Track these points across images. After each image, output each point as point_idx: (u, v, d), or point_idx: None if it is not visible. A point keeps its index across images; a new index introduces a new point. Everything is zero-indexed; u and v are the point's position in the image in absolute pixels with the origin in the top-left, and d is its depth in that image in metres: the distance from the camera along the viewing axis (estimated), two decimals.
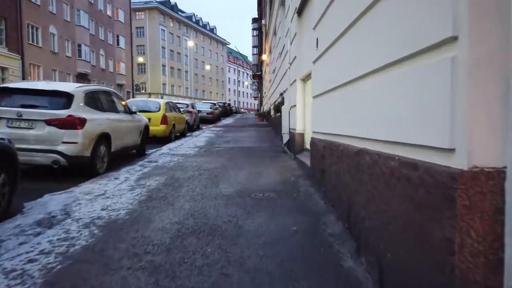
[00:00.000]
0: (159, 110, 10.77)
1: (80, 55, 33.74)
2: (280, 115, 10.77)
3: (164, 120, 10.66)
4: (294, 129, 7.29)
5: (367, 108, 2.51)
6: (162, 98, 60.97)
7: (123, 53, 43.80)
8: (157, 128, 10.53)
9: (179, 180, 5.32)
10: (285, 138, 8.28)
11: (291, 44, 7.72)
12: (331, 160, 3.71)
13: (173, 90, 70.44)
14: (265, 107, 24.82)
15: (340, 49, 3.31)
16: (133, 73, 61.36)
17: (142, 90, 65.72)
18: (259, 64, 48.60)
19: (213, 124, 22.02)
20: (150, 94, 64.03)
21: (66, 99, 5.52)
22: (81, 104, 5.67)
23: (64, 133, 5.30)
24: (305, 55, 6.26)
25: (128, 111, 7.57)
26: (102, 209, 3.78)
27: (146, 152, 8.87)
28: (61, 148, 5.28)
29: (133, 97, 47.36)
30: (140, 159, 7.59)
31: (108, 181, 5.22)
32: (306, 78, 6.71)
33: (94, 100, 6.14)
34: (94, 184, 5.07)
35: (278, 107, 10.66)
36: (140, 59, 61.33)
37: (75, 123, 5.39)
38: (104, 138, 6.10)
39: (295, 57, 7.15)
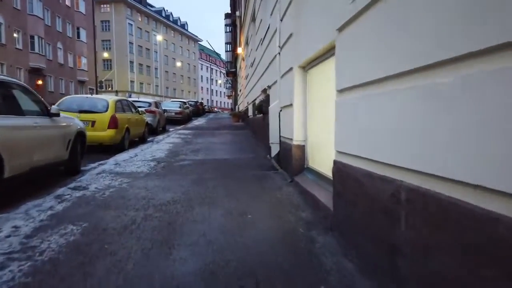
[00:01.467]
0: (106, 110, 8.30)
1: (33, 48, 30.24)
2: (263, 117, 8.57)
3: (113, 123, 8.21)
4: (290, 139, 5.10)
5: None
6: (129, 96, 57.46)
7: (85, 47, 40.29)
8: (102, 134, 8.08)
9: (104, 235, 3.00)
10: (274, 149, 6.07)
11: (282, 19, 5.51)
12: (414, 221, 1.55)
13: (142, 88, 66.82)
14: (241, 106, 22.56)
15: None
16: (98, 69, 57.47)
17: (108, 87, 61.80)
18: (233, 61, 46.31)
19: (182, 126, 19.51)
20: (117, 92, 60.43)
21: None
22: None
23: None
24: (313, 28, 4.07)
25: (45, 112, 5.12)
26: None
27: (83, 168, 6.46)
28: None
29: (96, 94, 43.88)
30: (66, 182, 5.17)
31: None
32: (310, 64, 4.53)
33: None
34: None
35: (260, 107, 8.47)
36: (105, 55, 57.44)
37: None
38: None
39: (290, 35, 4.94)
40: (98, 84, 45.46)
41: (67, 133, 5.59)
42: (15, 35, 28.50)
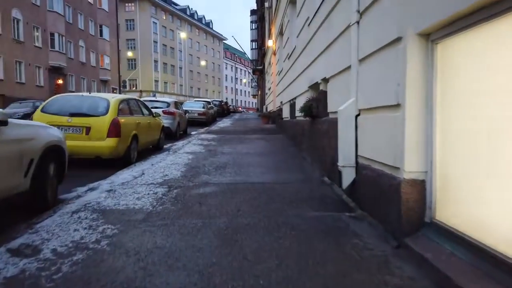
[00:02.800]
0: (106, 113, 6.29)
1: (53, 46, 29.14)
2: (312, 121, 6.35)
3: (114, 129, 6.19)
4: (391, 167, 2.88)
5: None
6: (154, 95, 56.47)
7: (108, 45, 39.19)
8: (100, 145, 6.08)
9: None
10: (347, 176, 3.85)
11: None
12: None
13: (166, 88, 65.86)
14: (270, 106, 20.35)
15: None
16: (121, 68, 56.77)
17: (133, 87, 61.14)
18: (260, 59, 44.17)
19: (205, 128, 17.52)
20: (141, 92, 59.66)
21: None
22: None
23: None
24: None
25: None
26: None
27: (63, 196, 4.53)
28: None
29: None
30: (10, 233, 3.16)
31: None
32: (449, 27, 2.28)
33: None
34: None
35: (307, 108, 6.24)
36: (130, 54, 56.67)
37: None
38: None
39: None
40: (122, 84, 44.42)
41: (26, 151, 3.56)
42: (34, 32, 27.43)
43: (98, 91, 37.23)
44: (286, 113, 11.66)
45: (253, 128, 16.03)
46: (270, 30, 19.47)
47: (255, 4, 55.50)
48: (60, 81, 30.13)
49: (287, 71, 10.80)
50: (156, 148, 9.14)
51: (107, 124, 6.17)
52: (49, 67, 28.77)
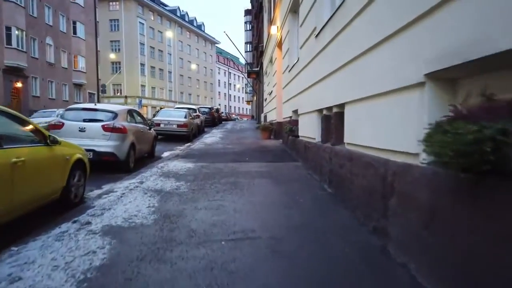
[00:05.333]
0: None
1: (9, 42, 24.34)
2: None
3: None
4: None
5: None
6: (140, 102, 51.64)
7: (83, 44, 34.45)
8: None
9: None
10: None
11: None
12: None
13: (154, 93, 61.10)
14: (272, 116, 15.75)
15: None
16: (104, 72, 51.96)
17: (117, 92, 56.32)
18: (255, 61, 39.78)
19: (186, 145, 12.89)
20: (126, 98, 54.91)
21: None
22: None
23: None
24: None
25: None
26: None
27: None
28: None
29: (98, 100, 38.05)
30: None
31: None
32: None
33: None
34: None
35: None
36: (112, 56, 51.85)
37: None
38: None
39: None
40: (101, 88, 39.63)
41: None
42: None
43: (71, 96, 32.44)
44: (308, 130, 7.06)
45: (251, 147, 11.38)
46: (272, 17, 14.94)
47: (249, 4, 51.37)
48: (19, 84, 25.30)
49: (315, 56, 6.23)
50: (65, 205, 4.51)
51: None
52: (4, 67, 23.97)
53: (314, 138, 6.35)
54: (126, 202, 4.68)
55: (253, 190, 5.33)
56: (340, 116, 4.79)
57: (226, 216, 4.05)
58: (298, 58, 8.24)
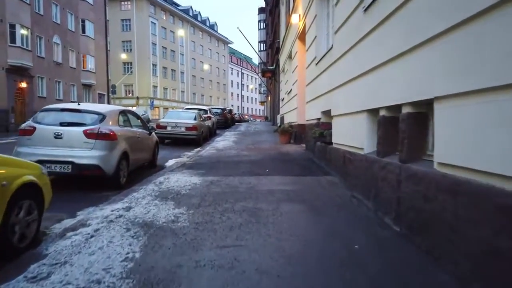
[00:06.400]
0: None
1: (13, 40, 23.26)
2: None
3: None
4: None
5: None
6: (152, 103, 50.64)
7: (92, 44, 33.37)
8: None
9: None
10: None
11: None
12: None
13: (166, 94, 60.03)
14: (291, 117, 14.10)
15: None
16: (116, 72, 51.12)
17: (128, 93, 55.42)
18: (269, 60, 38.20)
19: (194, 151, 11.37)
20: (138, 98, 54.07)
21: None
22: None
23: None
24: None
25: None
26: None
27: None
28: None
29: (108, 102, 37.01)
30: None
31: None
32: None
33: None
34: None
35: None
36: (123, 56, 50.97)
37: None
38: None
39: None
40: (111, 89, 38.59)
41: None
42: None
43: (79, 97, 31.39)
44: (350, 137, 5.38)
45: (270, 154, 9.74)
46: (292, 6, 13.28)
47: (263, 2, 49.74)
48: (23, 84, 24.22)
49: (363, 37, 4.58)
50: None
51: None
52: (8, 66, 22.89)
53: (362, 148, 4.68)
54: (95, 248, 3.11)
55: (282, 227, 3.69)
56: (421, 118, 3.13)
57: (246, 284, 2.44)
58: (332, 46, 6.58)
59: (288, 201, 4.68)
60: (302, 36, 11.36)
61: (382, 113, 4.01)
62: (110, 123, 5.88)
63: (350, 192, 5.08)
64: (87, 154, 5.41)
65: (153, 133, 7.95)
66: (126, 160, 6.12)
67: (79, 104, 6.04)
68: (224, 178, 6.31)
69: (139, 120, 7.50)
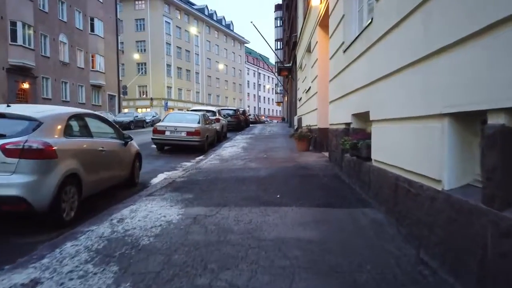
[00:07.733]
0: None
1: (14, 39, 22.03)
2: None
3: None
4: None
5: None
6: (166, 104, 49.37)
7: (101, 43, 32.10)
8: None
9: None
10: None
11: None
12: None
13: (180, 95, 58.67)
14: (310, 119, 12.08)
15: None
16: (129, 73, 50.11)
17: (142, 94, 54.33)
18: (286, 58, 36.19)
19: (196, 160, 9.53)
20: (152, 100, 52.98)
21: None
22: None
23: None
24: None
25: None
26: None
27: None
28: None
29: (119, 103, 35.77)
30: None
31: None
32: None
33: None
34: None
35: None
36: (136, 56, 49.86)
37: None
38: None
39: None
40: (122, 90, 37.36)
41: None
42: None
43: (88, 98, 30.13)
44: (407, 155, 3.37)
45: (284, 166, 7.74)
46: None
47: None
48: (25, 85, 22.98)
49: None
50: None
51: None
52: (9, 66, 21.66)
53: (438, 181, 2.67)
54: None
55: None
56: None
57: None
58: (371, 21, 4.57)
59: (309, 272, 2.71)
60: (324, 22, 9.35)
61: (499, 119, 2.00)
62: (49, 132, 4.04)
63: (410, 247, 3.07)
64: (5, 181, 3.59)
65: (131, 142, 6.08)
66: (76, 186, 4.28)
67: (8, 106, 4.23)
68: (215, 210, 4.38)
69: (109, 127, 5.65)
